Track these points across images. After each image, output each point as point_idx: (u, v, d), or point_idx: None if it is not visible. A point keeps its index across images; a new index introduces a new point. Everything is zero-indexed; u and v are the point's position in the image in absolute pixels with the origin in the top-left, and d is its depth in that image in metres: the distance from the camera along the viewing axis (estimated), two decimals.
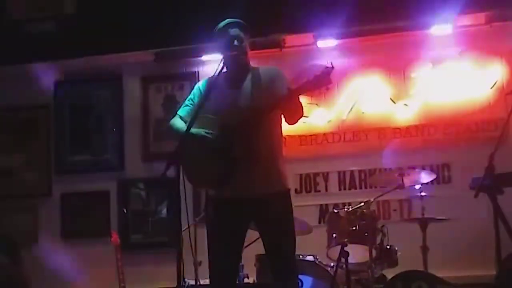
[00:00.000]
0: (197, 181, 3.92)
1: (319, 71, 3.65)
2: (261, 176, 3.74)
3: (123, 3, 6.36)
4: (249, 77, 3.87)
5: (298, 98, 3.75)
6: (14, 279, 5.09)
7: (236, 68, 3.88)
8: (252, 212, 3.79)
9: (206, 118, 3.75)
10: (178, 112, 3.95)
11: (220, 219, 3.85)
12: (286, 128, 4.02)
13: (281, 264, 3.79)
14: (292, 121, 3.88)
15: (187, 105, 3.94)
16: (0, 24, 6.57)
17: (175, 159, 3.40)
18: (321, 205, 6.19)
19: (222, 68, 3.76)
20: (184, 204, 3.39)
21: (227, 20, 3.91)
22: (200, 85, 4.01)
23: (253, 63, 3.99)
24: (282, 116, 3.88)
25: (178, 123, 3.90)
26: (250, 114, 3.72)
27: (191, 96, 3.98)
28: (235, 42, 3.84)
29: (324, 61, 5.70)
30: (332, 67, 3.63)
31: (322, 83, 3.63)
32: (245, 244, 3.98)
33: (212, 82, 3.80)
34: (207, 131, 3.77)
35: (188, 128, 3.58)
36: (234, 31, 3.87)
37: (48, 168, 6.81)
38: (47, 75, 6.70)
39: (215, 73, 3.72)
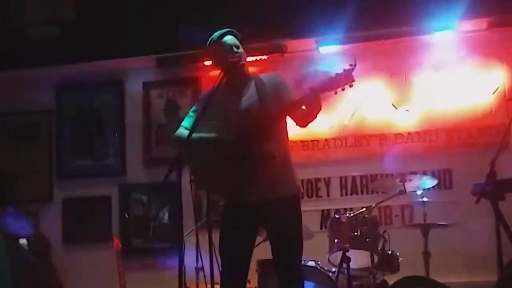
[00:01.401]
0: (215, 190, 3.88)
1: (341, 69, 3.57)
2: (277, 179, 3.73)
3: (125, 8, 6.37)
4: (252, 84, 3.86)
5: (320, 97, 3.64)
6: (45, 281, 5.00)
7: (237, 75, 3.86)
8: (266, 215, 3.75)
9: (215, 125, 3.74)
10: (182, 124, 3.90)
11: (233, 223, 3.81)
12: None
13: (288, 268, 3.75)
14: (304, 123, 3.82)
15: (190, 116, 3.89)
16: (2, 29, 6.58)
17: (177, 164, 3.40)
18: (322, 210, 6.18)
19: (223, 78, 3.76)
20: (195, 206, 3.37)
21: (219, 31, 3.89)
22: (202, 96, 3.99)
23: (254, 69, 3.98)
24: (292, 119, 3.83)
25: (185, 132, 3.78)
26: (266, 117, 3.70)
27: (194, 108, 3.95)
28: (235, 49, 3.84)
29: (325, 67, 5.85)
30: (355, 65, 3.56)
31: (344, 81, 3.56)
32: None
33: (214, 92, 3.76)
34: (219, 136, 3.74)
35: (191, 133, 3.57)
36: (230, 38, 3.87)
37: (49, 173, 6.81)
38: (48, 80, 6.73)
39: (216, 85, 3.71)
